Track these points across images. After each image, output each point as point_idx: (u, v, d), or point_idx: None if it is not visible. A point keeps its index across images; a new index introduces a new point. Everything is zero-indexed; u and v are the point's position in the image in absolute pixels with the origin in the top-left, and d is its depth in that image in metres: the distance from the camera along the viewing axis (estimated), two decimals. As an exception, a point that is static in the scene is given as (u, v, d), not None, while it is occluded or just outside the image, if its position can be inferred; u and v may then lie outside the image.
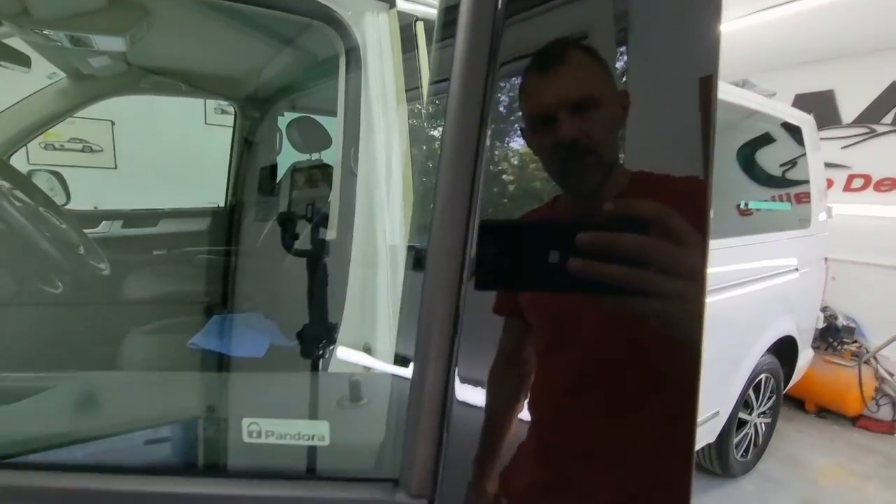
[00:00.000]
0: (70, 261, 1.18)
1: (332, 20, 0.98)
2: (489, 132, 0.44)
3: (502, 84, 0.45)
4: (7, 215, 1.04)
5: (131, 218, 2.10)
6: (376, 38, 1.01)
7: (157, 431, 0.67)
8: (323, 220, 0.92)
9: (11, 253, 1.16)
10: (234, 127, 2.24)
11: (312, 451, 0.47)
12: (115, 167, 2.81)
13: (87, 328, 1.29)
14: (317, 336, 0.79)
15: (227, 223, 2.03)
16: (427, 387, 0.41)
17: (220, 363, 1.21)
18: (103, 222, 2.02)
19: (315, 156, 2.03)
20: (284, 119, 2.31)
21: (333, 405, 0.58)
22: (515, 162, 0.47)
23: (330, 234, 1.04)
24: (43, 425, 0.60)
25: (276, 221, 0.96)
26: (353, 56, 1.00)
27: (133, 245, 2.02)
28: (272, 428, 0.47)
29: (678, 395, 0.43)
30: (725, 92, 1.97)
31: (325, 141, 1.97)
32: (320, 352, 0.82)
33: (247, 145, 2.26)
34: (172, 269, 1.93)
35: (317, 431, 0.47)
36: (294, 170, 1.90)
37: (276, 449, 0.47)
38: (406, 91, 0.96)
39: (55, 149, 2.59)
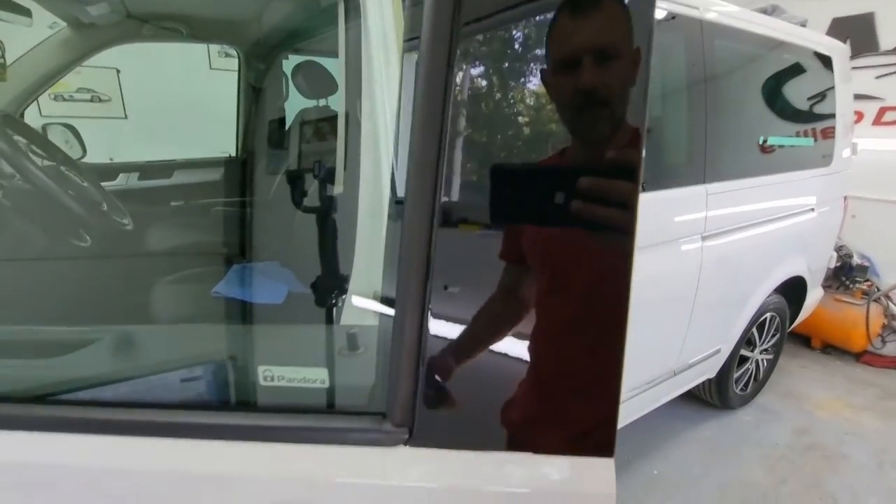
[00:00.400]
0: (94, 217, 1.24)
1: (330, -35, 0.94)
2: (455, 93, 0.47)
3: (468, 41, 0.47)
4: (32, 176, 1.09)
5: (147, 170, 2.14)
6: (376, -18, 0.97)
7: (190, 372, 0.76)
8: (329, 175, 0.95)
9: (39, 211, 1.22)
10: (238, 73, 2.21)
11: (318, 391, 0.56)
12: (125, 117, 2.81)
13: (114, 280, 1.38)
14: (330, 286, 0.85)
15: (239, 173, 2.06)
16: (406, 333, 0.48)
17: (242, 310, 1.29)
18: (120, 175, 2.06)
19: (322, 102, 2.01)
20: (290, 63, 2.26)
21: (336, 353, 0.66)
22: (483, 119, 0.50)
23: (337, 188, 1.07)
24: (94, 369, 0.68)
25: (284, 176, 0.99)
26: (352, 4, 0.97)
27: (151, 197, 2.08)
28: (282, 373, 0.55)
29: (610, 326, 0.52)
30: (748, 21, 1.85)
31: (331, 86, 1.94)
32: (334, 301, 0.88)
33: (253, 92, 2.24)
34: (190, 219, 2.00)
35: (318, 376, 0.55)
36: (302, 121, 1.89)
37: (286, 390, 0.55)
38: (407, 41, 0.94)
39: (64, 100, 2.60)
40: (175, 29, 1.85)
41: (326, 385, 0.56)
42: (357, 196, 1.01)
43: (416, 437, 0.51)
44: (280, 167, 1.99)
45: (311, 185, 1.04)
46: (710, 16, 1.65)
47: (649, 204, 1.57)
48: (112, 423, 0.52)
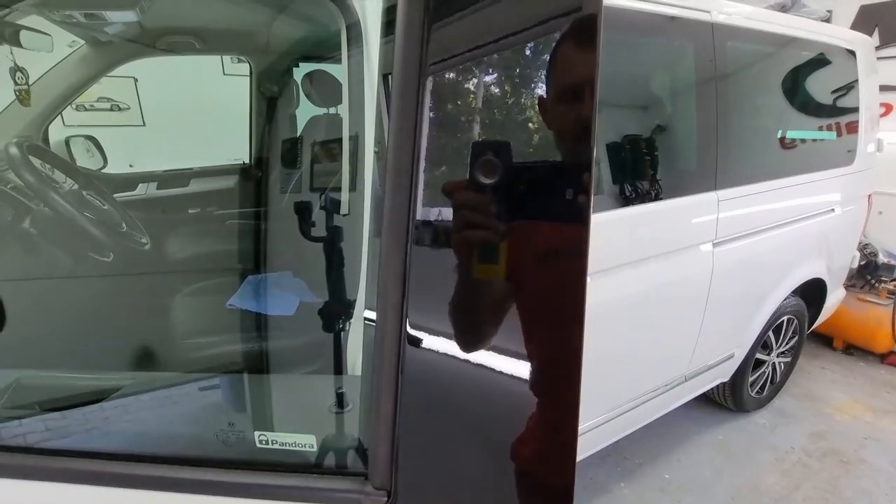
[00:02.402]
0: (114, 238, 1.30)
1: (332, -6, 0.96)
2: (425, 126, 0.50)
3: (433, 77, 0.53)
4: (56, 205, 1.16)
5: (165, 179, 2.21)
6: (377, 9, 0.98)
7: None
8: (335, 206, 0.97)
9: (62, 235, 1.28)
10: (250, 82, 2.25)
11: (307, 452, 0.59)
12: (144, 124, 2.89)
13: (133, 296, 1.44)
14: (337, 308, 0.88)
15: (253, 180, 2.12)
16: (383, 394, 0.50)
17: (257, 323, 1.34)
18: (140, 185, 2.13)
19: (332, 110, 2.03)
20: (300, 70, 2.29)
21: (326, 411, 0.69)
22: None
23: (343, 209, 1.09)
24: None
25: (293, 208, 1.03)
26: (355, 32, 0.98)
27: (169, 206, 2.15)
28: (276, 438, 0.58)
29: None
30: (762, 21, 1.80)
31: (340, 95, 1.96)
32: (341, 322, 0.91)
33: (265, 100, 2.28)
34: (206, 229, 2.06)
35: (307, 441, 0.58)
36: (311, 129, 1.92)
37: (279, 451, 0.59)
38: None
39: (86, 109, 2.68)
40: (188, 42, 1.89)
41: (314, 448, 0.59)
42: (363, 218, 1.03)
43: (397, 499, 0.53)
44: (291, 177, 2.03)
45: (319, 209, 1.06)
46: (722, 18, 1.61)
47: (661, 213, 1.56)
48: (103, 475, 0.56)
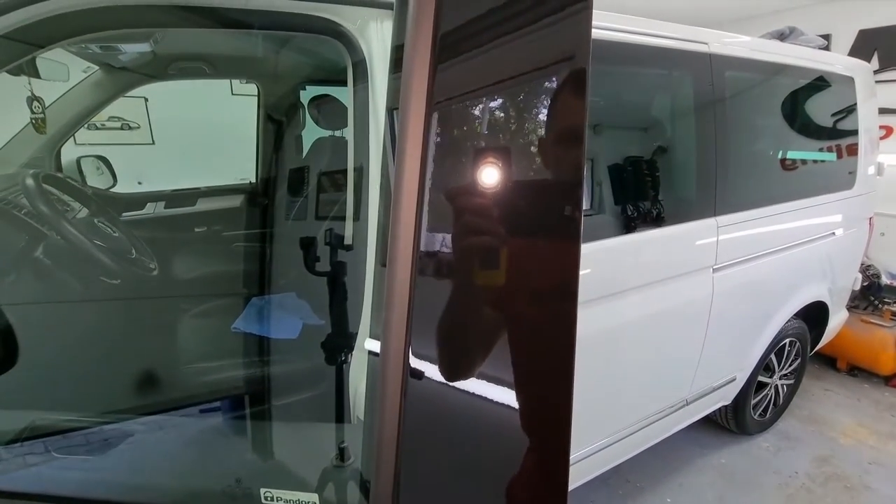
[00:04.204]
0: (123, 266, 1.32)
1: (339, 35, 1.00)
2: (431, 159, 0.53)
3: (438, 112, 0.56)
4: (68, 235, 1.19)
5: (172, 198, 2.25)
6: (382, 48, 1.02)
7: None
8: (339, 241, 1.00)
9: (72, 265, 1.31)
10: (258, 105, 2.30)
11: None
12: (153, 143, 2.95)
13: (140, 320, 1.47)
14: (339, 345, 0.90)
15: (259, 201, 2.15)
16: (384, 454, 0.51)
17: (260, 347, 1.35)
18: (148, 204, 2.17)
19: (338, 132, 2.07)
20: (307, 93, 2.34)
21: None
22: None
23: (347, 238, 1.12)
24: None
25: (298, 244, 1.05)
26: (360, 69, 1.02)
27: (176, 225, 2.18)
28: (281, 495, 0.60)
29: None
30: (759, 51, 1.83)
31: (345, 118, 2.00)
32: (342, 359, 0.92)
33: (271, 122, 2.32)
34: (213, 249, 2.09)
35: (311, 499, 0.59)
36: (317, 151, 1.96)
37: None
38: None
39: (97, 128, 2.74)
40: (198, 68, 1.94)
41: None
42: (365, 251, 1.05)
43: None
44: (299, 194, 2.07)
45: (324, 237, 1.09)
46: (719, 49, 1.65)
47: (661, 240, 1.58)
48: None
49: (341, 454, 0.68)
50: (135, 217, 2.14)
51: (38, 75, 1.24)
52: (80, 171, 2.28)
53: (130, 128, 2.91)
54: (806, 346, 2.48)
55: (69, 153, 2.21)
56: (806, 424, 2.61)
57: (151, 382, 1.26)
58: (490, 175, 0.56)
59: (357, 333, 0.96)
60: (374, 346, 0.68)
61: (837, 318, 2.63)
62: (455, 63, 0.58)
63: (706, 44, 1.61)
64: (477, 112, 0.59)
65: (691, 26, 1.59)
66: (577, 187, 0.54)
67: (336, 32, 1.00)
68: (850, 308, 2.84)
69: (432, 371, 0.55)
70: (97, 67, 1.82)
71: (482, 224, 0.55)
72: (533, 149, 0.57)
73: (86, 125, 2.45)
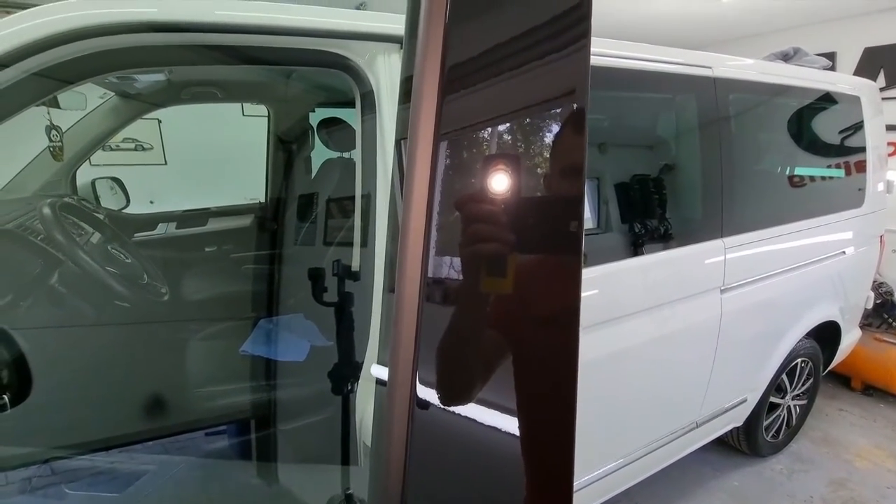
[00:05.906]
0: (135, 292, 1.35)
1: (349, 68, 1.02)
2: (438, 187, 0.54)
3: (446, 143, 0.57)
4: (83, 263, 1.22)
5: (183, 218, 2.29)
6: (389, 80, 1.05)
7: None
8: (346, 272, 1.01)
9: (86, 289, 1.34)
10: (268, 127, 2.35)
11: None
12: (165, 163, 3.01)
13: (152, 344, 1.49)
14: (345, 374, 0.91)
15: (268, 226, 2.19)
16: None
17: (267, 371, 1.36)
18: (160, 224, 2.21)
19: (346, 154, 2.11)
20: (316, 115, 2.39)
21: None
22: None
23: (354, 264, 1.13)
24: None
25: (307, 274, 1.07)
26: (368, 100, 1.04)
27: (187, 245, 2.22)
28: None
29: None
30: (765, 73, 1.85)
31: (353, 141, 2.04)
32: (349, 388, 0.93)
33: (281, 144, 2.37)
34: (222, 269, 2.12)
35: None
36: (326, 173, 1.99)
37: None
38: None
39: (112, 149, 2.81)
40: (210, 93, 1.99)
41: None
42: (372, 280, 1.06)
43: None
44: (307, 215, 2.09)
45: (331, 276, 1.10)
46: (722, 73, 1.66)
47: (668, 262, 1.58)
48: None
49: (348, 500, 0.68)
50: (147, 238, 2.18)
51: (57, 105, 1.29)
52: (95, 192, 2.33)
53: (144, 149, 2.97)
54: (818, 366, 2.44)
55: (84, 174, 2.27)
56: (820, 446, 2.56)
57: (162, 407, 1.27)
58: (497, 201, 0.58)
59: (363, 361, 0.97)
60: (381, 372, 0.69)
61: (850, 337, 2.59)
62: (462, 95, 0.60)
63: (710, 67, 1.62)
64: (482, 139, 0.62)
65: (695, 51, 1.61)
66: (579, 220, 0.56)
67: (345, 66, 1.02)
68: (863, 326, 2.80)
69: (439, 397, 0.56)
70: (113, 94, 1.87)
71: (490, 249, 0.57)
72: (539, 173, 0.59)
73: (101, 147, 2.50)
